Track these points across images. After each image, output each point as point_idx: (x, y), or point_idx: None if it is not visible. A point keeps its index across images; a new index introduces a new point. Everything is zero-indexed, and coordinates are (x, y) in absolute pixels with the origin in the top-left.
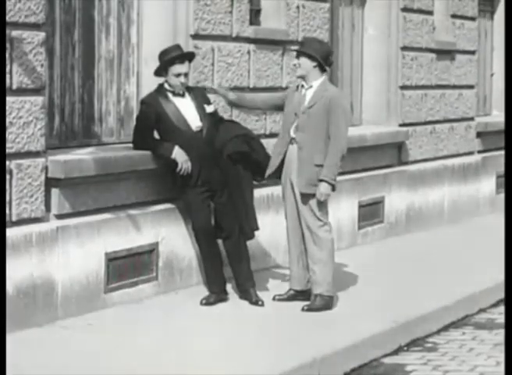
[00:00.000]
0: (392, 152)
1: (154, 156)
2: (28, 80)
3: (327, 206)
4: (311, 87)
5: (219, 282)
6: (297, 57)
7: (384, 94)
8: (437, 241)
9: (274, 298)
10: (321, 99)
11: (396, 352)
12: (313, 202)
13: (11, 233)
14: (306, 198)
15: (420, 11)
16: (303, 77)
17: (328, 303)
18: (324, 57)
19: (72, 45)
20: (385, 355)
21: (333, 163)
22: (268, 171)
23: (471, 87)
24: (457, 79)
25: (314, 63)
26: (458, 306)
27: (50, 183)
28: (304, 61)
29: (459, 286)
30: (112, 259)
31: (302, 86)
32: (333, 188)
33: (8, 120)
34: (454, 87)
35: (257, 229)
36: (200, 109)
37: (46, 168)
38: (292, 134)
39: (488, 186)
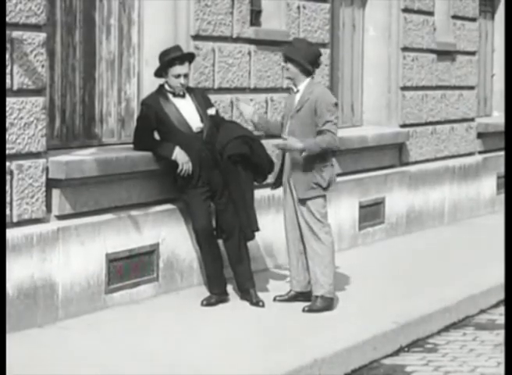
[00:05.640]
0: (393, 153)
1: (154, 157)
2: (29, 81)
3: (326, 207)
4: (298, 91)
5: (220, 283)
6: (285, 61)
7: (385, 94)
8: (437, 241)
9: (274, 299)
10: (306, 102)
11: (396, 353)
12: (313, 205)
13: (12, 234)
14: (305, 200)
15: (420, 11)
16: (291, 79)
17: (329, 304)
18: (311, 60)
19: (73, 46)
20: (386, 356)
21: (315, 144)
22: (272, 177)
23: (471, 87)
24: (458, 80)
25: (300, 68)
26: (458, 307)
27: (51, 184)
28: (290, 65)
29: (459, 286)
30: (112, 260)
31: (292, 89)
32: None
33: (8, 121)
34: (455, 87)
35: (257, 230)
36: (201, 110)
37: (47, 169)
38: (284, 138)
39: (488, 187)
